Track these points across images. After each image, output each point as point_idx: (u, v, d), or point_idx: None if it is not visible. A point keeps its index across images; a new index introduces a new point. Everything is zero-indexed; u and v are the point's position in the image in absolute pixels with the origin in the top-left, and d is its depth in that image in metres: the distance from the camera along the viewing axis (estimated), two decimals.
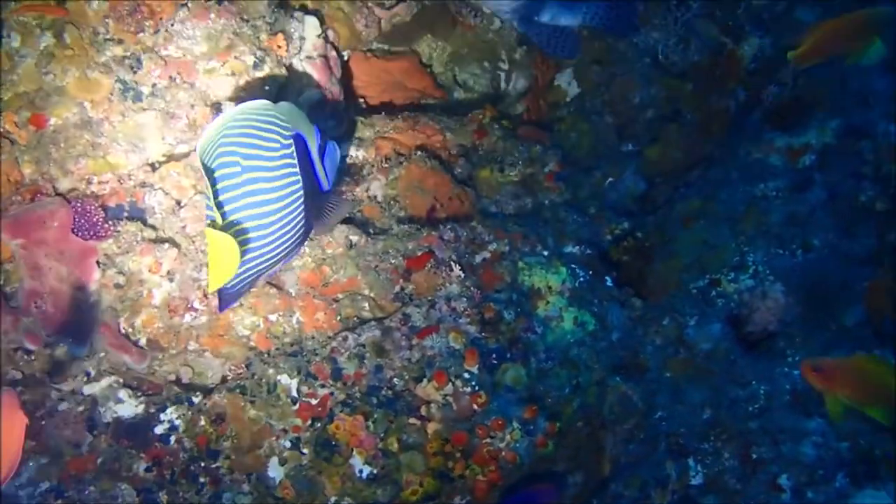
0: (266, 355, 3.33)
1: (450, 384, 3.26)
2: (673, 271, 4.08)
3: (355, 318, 3.41)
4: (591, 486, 3.70)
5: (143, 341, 3.30)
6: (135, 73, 3.42)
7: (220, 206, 2.72)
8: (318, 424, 3.22)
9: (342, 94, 4.04)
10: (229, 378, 3.33)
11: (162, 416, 3.25)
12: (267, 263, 2.88)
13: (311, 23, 3.97)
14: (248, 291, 3.09)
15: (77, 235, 3.24)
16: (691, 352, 3.81)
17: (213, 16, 3.48)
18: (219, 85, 3.48)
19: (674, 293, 4.01)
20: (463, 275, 3.51)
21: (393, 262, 3.50)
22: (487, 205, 3.99)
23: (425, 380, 3.27)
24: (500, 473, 3.27)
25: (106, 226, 3.29)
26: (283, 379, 3.25)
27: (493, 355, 3.39)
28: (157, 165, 3.45)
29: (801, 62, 3.70)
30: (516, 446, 3.30)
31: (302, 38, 3.87)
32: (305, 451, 3.21)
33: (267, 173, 2.79)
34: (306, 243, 3.42)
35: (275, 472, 3.22)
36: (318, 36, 3.97)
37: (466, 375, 3.29)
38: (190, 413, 3.24)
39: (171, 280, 3.31)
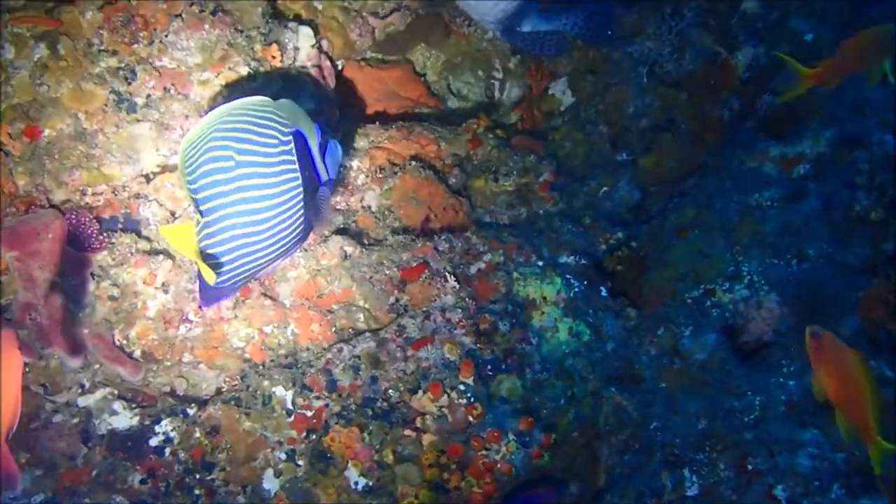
0: (261, 367, 3.32)
1: (445, 396, 3.26)
2: (668, 281, 4.08)
3: (350, 330, 3.41)
4: (586, 496, 3.71)
5: (137, 353, 3.29)
6: (129, 84, 3.41)
7: (208, 199, 2.72)
8: (314, 436, 3.22)
9: (336, 103, 4.03)
10: (224, 390, 3.33)
11: (157, 428, 3.24)
12: (263, 260, 2.88)
13: (306, 33, 3.96)
14: (241, 287, 3.08)
15: (71, 247, 3.23)
16: (686, 362, 3.80)
17: (207, 26, 3.48)
18: (213, 96, 3.47)
19: (668, 303, 4.01)
20: (458, 286, 3.51)
21: (388, 272, 3.49)
22: (482, 215, 3.99)
23: (420, 391, 3.28)
24: (495, 485, 3.27)
25: (100, 237, 3.28)
26: (278, 391, 3.25)
27: (489, 366, 3.39)
28: (151, 177, 3.44)
29: (817, 82, 3.68)
30: (512, 458, 3.30)
31: (296, 49, 3.86)
32: (301, 462, 3.21)
33: (263, 169, 2.78)
34: (300, 254, 3.42)
35: (270, 484, 3.21)
36: (313, 46, 3.97)
37: (462, 387, 3.29)
38: (185, 425, 3.23)
39: (165, 292, 3.30)
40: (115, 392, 3.29)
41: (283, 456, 3.21)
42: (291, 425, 3.23)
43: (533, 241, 3.87)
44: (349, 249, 3.49)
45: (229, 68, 3.50)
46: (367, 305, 3.45)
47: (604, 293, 3.94)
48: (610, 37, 3.95)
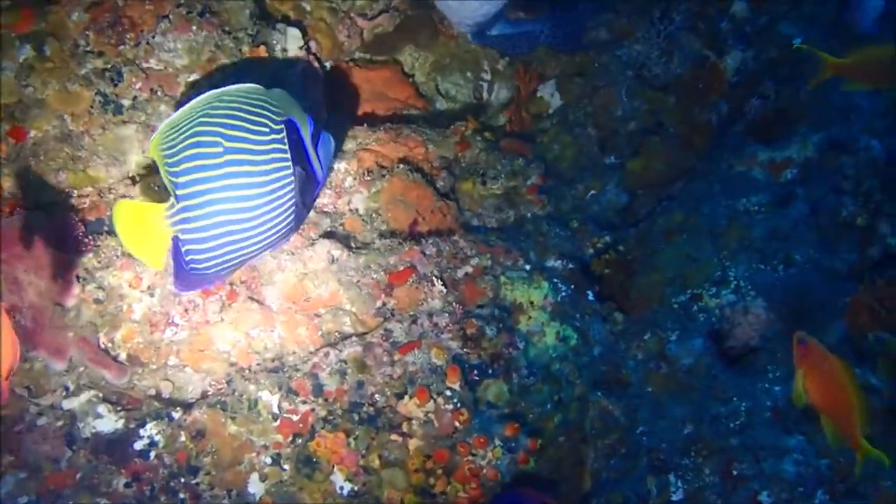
0: (247, 371, 3.30)
1: (431, 401, 3.26)
2: (655, 285, 4.08)
3: (337, 334, 3.40)
4: (572, 500, 3.70)
5: (122, 356, 3.28)
6: (115, 85, 3.40)
7: (192, 183, 2.71)
8: (300, 441, 3.21)
9: (324, 105, 4.02)
10: (210, 393, 3.31)
11: (142, 432, 3.22)
12: (250, 248, 2.88)
13: (293, 34, 3.97)
14: (228, 275, 3.08)
15: (57, 250, 3.22)
16: (673, 367, 3.80)
17: (194, 28, 3.48)
18: None
19: (656, 307, 4.01)
20: (445, 290, 3.50)
21: (375, 276, 3.48)
22: (470, 218, 3.98)
23: (407, 396, 3.27)
24: (481, 491, 3.26)
25: (86, 240, 3.28)
26: (265, 395, 3.24)
27: (475, 371, 3.39)
28: (137, 179, 3.44)
29: (838, 72, 3.68)
30: (498, 464, 3.30)
31: (284, 50, 3.87)
32: (286, 467, 3.20)
33: (253, 156, 2.78)
34: (288, 257, 3.41)
35: (255, 488, 3.20)
36: (301, 47, 3.97)
37: (448, 392, 3.28)
38: (170, 429, 3.21)
39: (151, 295, 3.29)
40: (100, 395, 3.26)
41: (269, 460, 3.20)
42: (277, 429, 3.21)
43: (520, 245, 3.87)
44: (336, 253, 3.48)
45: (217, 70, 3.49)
46: (353, 309, 3.44)
47: (591, 297, 3.94)
48: (577, 44, 3.96)
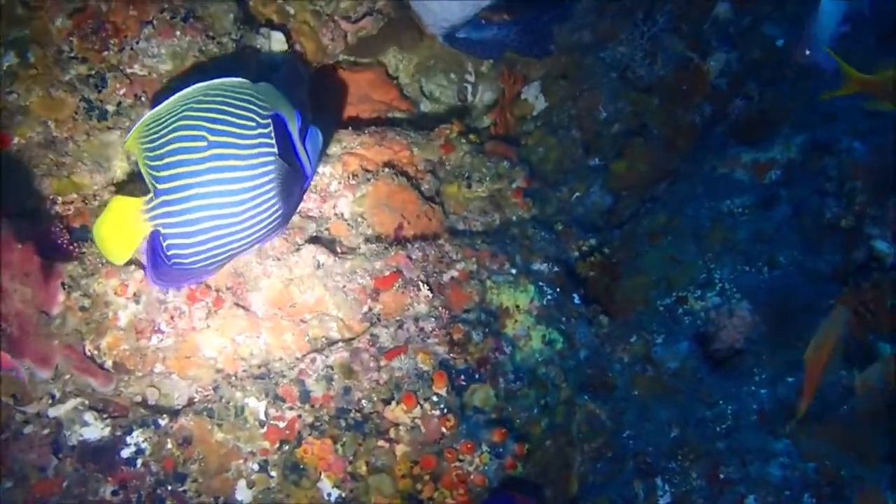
0: (233, 378, 3.30)
1: (418, 407, 3.26)
2: (640, 288, 4.08)
3: (323, 339, 3.39)
4: None
5: (108, 363, 3.27)
6: (99, 91, 3.40)
7: (175, 178, 2.71)
8: (287, 447, 3.20)
9: (309, 107, 4.02)
10: (196, 400, 3.30)
11: (128, 439, 3.21)
12: (236, 244, 2.87)
13: (277, 38, 3.97)
14: (213, 272, 3.07)
15: (42, 257, 3.21)
16: (658, 370, 3.80)
17: (178, 33, 3.48)
18: None
19: (641, 310, 4.00)
20: (431, 294, 3.50)
21: (361, 281, 3.48)
22: (455, 221, 3.98)
23: (394, 402, 3.27)
24: (468, 497, 3.27)
25: (71, 247, 3.27)
26: (251, 402, 3.23)
27: (462, 376, 3.39)
28: (122, 185, 3.43)
29: (862, 89, 3.63)
30: (485, 469, 3.30)
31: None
32: (273, 474, 3.19)
33: (239, 150, 2.78)
34: (273, 262, 3.41)
35: (242, 495, 3.20)
36: (285, 51, 3.96)
37: (435, 398, 3.28)
38: (156, 436, 3.20)
39: (136, 302, 3.28)
40: (86, 402, 3.25)
41: (256, 467, 3.20)
42: (264, 436, 3.21)
43: (506, 249, 3.87)
44: (322, 258, 3.47)
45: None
46: (340, 314, 3.43)
47: (577, 300, 3.95)
48: (545, 49, 3.97)
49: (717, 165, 4.33)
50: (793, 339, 3.65)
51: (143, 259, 2.99)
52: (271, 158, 2.84)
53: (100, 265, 3.29)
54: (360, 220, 3.71)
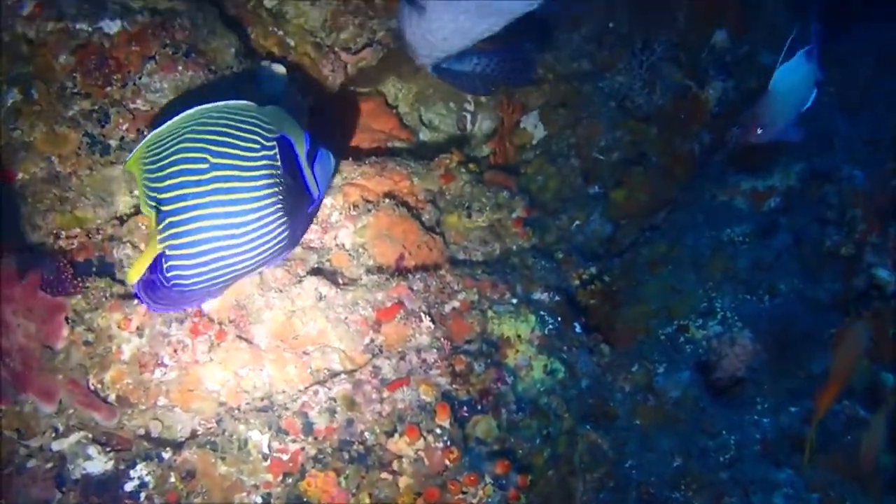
0: (237, 411, 3.30)
1: (421, 439, 3.25)
2: (641, 317, 4.09)
3: (325, 371, 3.39)
4: None
5: (112, 397, 3.27)
6: (102, 126, 3.42)
7: (177, 199, 2.72)
8: (290, 480, 3.20)
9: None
10: (199, 433, 3.30)
11: (132, 473, 3.21)
12: (239, 267, 2.87)
13: (278, 70, 3.97)
14: (216, 294, 3.08)
15: (45, 292, 3.22)
16: (660, 399, 3.81)
17: (180, 68, 3.50)
18: None
19: (642, 339, 4.01)
20: (433, 325, 3.51)
21: (363, 313, 3.48)
22: (456, 251, 3.99)
23: (397, 434, 3.26)
24: None
25: (75, 282, 3.27)
26: (254, 435, 3.23)
27: (465, 408, 3.39)
28: (125, 218, 3.44)
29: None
30: (489, 501, 3.29)
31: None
32: None
33: (242, 172, 2.78)
34: (276, 294, 3.42)
35: None
36: (286, 82, 3.98)
37: (438, 430, 3.28)
38: (160, 469, 3.20)
39: (140, 336, 3.29)
40: (90, 436, 3.26)
41: (259, 500, 3.19)
42: (267, 469, 3.20)
43: (507, 278, 3.87)
44: (324, 290, 3.48)
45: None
46: (342, 346, 3.44)
47: (577, 329, 3.95)
48: (526, 79, 3.98)
49: (717, 193, 4.35)
50: (794, 368, 3.67)
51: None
52: (276, 180, 2.85)
53: (103, 299, 3.29)
54: (361, 250, 3.71)
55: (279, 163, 2.86)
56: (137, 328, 3.29)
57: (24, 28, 3.43)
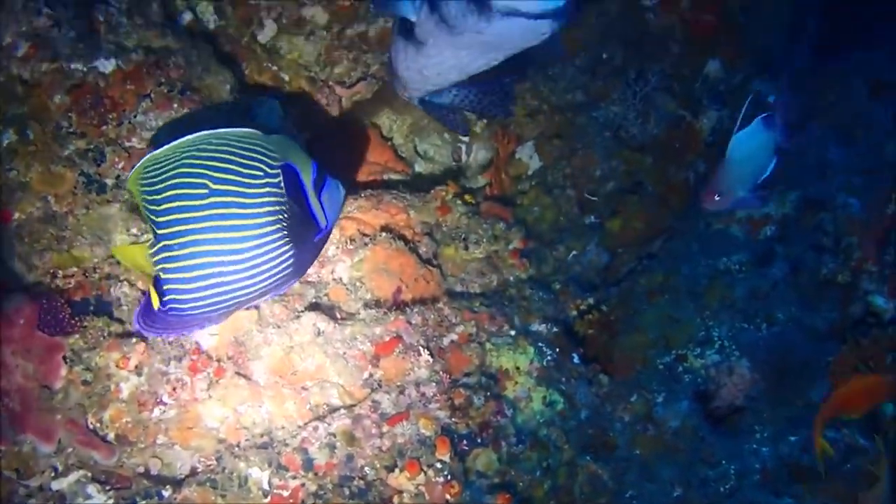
0: (236, 448, 3.29)
1: (422, 473, 3.25)
2: (639, 346, 4.09)
3: (325, 406, 3.39)
4: None
5: (111, 436, 3.27)
6: (98, 165, 3.42)
7: (175, 223, 2.72)
8: None
9: None
10: (199, 470, 3.30)
11: None
12: (242, 293, 2.86)
13: (273, 105, 3.98)
14: (220, 319, 3.07)
15: (43, 332, 3.21)
16: (660, 429, 3.81)
17: (175, 106, 3.51)
18: None
19: (640, 369, 4.02)
20: (431, 359, 3.50)
21: (361, 347, 3.48)
22: (453, 283, 3.99)
23: (397, 469, 3.26)
24: None
25: (72, 321, 3.26)
26: (254, 472, 3.22)
27: (464, 441, 3.39)
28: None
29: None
30: None
31: None
32: None
33: (243, 199, 2.77)
34: (274, 330, 3.41)
35: None
36: (280, 117, 3.99)
37: (438, 465, 3.28)
38: None
39: (139, 374, 3.28)
40: (89, 474, 3.25)
41: None
42: None
43: (504, 310, 3.88)
44: (322, 325, 3.47)
45: None
46: (341, 381, 3.43)
47: (576, 360, 3.95)
48: (505, 111, 3.99)
49: (712, 222, 4.36)
50: (792, 397, 3.67)
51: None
52: (279, 208, 2.84)
53: (101, 338, 3.29)
54: (358, 284, 3.72)
55: (283, 190, 2.85)
56: (136, 367, 3.29)
57: (19, 69, 3.44)
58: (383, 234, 3.86)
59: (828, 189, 4.14)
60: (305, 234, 2.97)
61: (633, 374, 4.02)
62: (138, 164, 2.77)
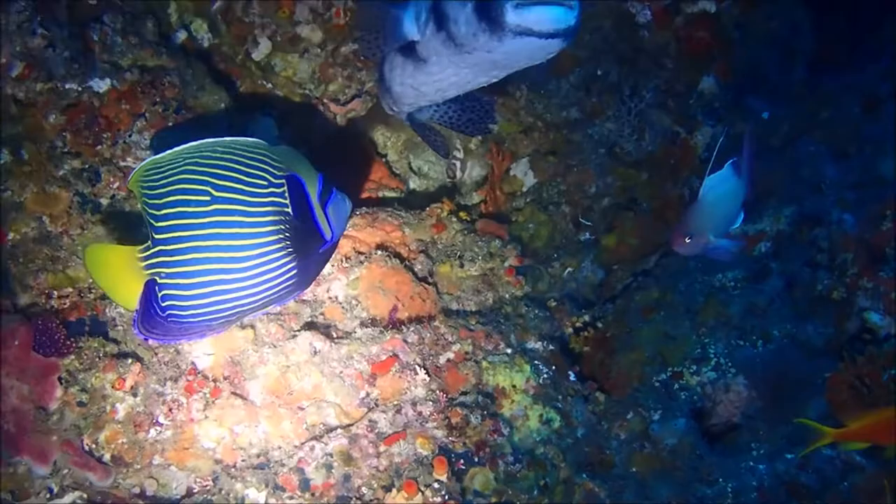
0: (233, 468, 3.28)
1: (419, 494, 3.23)
2: (635, 364, 4.09)
3: (321, 426, 3.38)
4: None
5: (107, 457, 3.25)
6: (93, 185, 3.42)
7: (174, 229, 2.71)
8: None
9: None
10: (196, 491, 3.28)
11: None
12: (243, 301, 2.84)
13: (267, 124, 3.98)
14: (222, 328, 3.06)
15: (38, 352, 3.20)
16: (657, 447, 3.80)
17: (170, 125, 3.49)
18: None
19: (637, 386, 4.02)
20: (428, 378, 3.50)
21: (357, 367, 3.47)
22: (449, 301, 3.99)
23: (394, 489, 3.24)
24: None
25: (67, 342, 3.26)
26: (251, 492, 3.21)
27: (462, 460, 3.38)
28: None
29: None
30: None
31: None
32: None
33: (246, 207, 2.76)
34: (270, 350, 3.40)
35: None
36: (275, 136, 3.99)
37: (436, 484, 3.26)
38: None
39: (134, 395, 3.27)
40: (85, 496, 3.23)
41: None
42: None
43: (500, 328, 3.87)
44: (318, 344, 3.47)
45: None
46: (337, 401, 3.43)
47: (572, 378, 3.94)
48: (483, 130, 3.98)
49: None
50: (789, 414, 3.67)
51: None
52: (282, 218, 2.83)
53: (97, 359, 3.28)
54: (354, 303, 3.71)
55: (287, 201, 2.84)
56: (132, 387, 3.28)
57: (14, 89, 3.44)
58: (379, 252, 3.85)
59: (822, 205, 4.15)
60: (310, 246, 2.96)
61: (630, 391, 4.02)
62: (140, 166, 2.75)
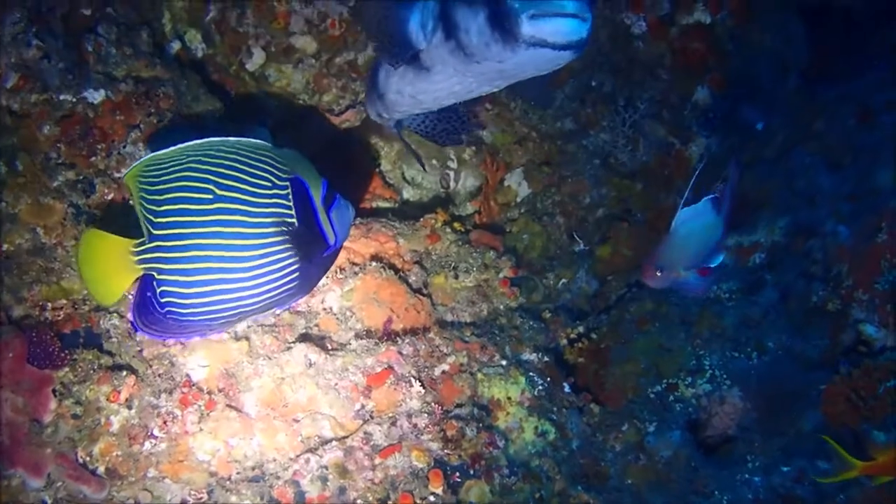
0: (228, 481, 3.27)
1: None
2: (630, 375, 4.09)
3: (317, 438, 3.37)
4: None
5: (101, 470, 3.24)
6: (88, 196, 3.41)
7: (173, 226, 2.70)
8: None
9: None
10: (190, 503, 3.28)
11: None
12: (244, 302, 2.84)
13: (262, 134, 3.98)
14: (224, 328, 3.04)
15: (33, 365, 3.19)
16: (652, 459, 3.80)
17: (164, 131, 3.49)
18: None
19: (632, 398, 4.01)
20: (423, 390, 3.49)
21: (352, 379, 3.46)
22: (443, 312, 3.98)
23: (390, 502, 3.24)
24: None
25: (62, 354, 3.25)
26: None
27: (457, 473, 3.37)
28: None
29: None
30: None
31: None
32: None
33: (248, 207, 2.75)
34: (264, 362, 3.39)
35: None
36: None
37: (431, 497, 3.26)
38: None
39: (129, 407, 3.27)
40: None
41: None
42: None
43: (495, 340, 3.87)
44: (313, 356, 3.46)
45: None
46: (332, 413, 3.42)
47: (567, 389, 3.94)
48: (457, 141, 3.99)
49: None
50: (784, 426, 3.67)
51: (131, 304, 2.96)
52: (286, 220, 2.82)
53: (91, 371, 3.27)
54: (349, 314, 3.70)
55: (291, 203, 2.84)
56: (126, 400, 3.27)
57: (8, 100, 3.44)
58: (373, 263, 3.85)
59: (817, 216, 4.15)
60: (313, 249, 2.96)
61: (625, 403, 4.02)
62: (139, 161, 2.74)
